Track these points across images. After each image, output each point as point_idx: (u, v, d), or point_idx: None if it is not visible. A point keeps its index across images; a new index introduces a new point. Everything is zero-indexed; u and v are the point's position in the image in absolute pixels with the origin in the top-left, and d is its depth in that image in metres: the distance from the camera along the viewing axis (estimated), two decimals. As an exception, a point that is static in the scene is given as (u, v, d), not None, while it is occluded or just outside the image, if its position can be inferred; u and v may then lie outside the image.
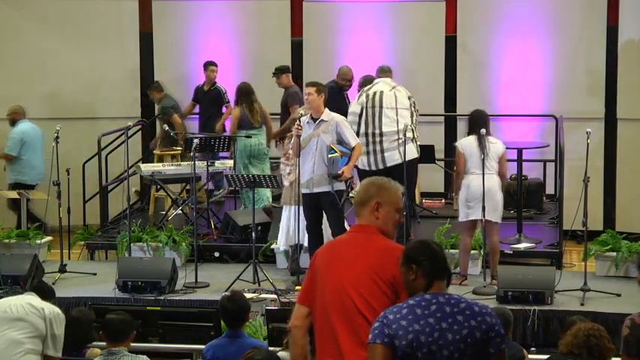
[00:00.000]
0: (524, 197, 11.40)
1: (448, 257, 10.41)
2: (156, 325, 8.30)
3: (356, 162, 9.70)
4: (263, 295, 9.22)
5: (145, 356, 6.30)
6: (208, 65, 12.86)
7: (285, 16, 13.71)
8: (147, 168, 11.71)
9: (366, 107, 10.38)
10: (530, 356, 6.91)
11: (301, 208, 9.57)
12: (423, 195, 12.81)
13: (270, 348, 6.39)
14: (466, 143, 9.63)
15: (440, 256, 4.37)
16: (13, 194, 11.75)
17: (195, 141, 10.40)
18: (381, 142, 10.29)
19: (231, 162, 11.77)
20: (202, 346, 7.15)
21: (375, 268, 4.60)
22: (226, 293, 7.26)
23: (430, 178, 13.06)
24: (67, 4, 13.59)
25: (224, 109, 12.81)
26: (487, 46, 13.29)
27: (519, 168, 11.09)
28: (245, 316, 6.79)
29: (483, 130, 9.55)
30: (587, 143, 9.54)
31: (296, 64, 13.63)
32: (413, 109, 10.53)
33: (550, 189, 12.71)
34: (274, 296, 9.23)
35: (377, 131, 10.29)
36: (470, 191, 9.48)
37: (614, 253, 10.00)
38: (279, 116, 12.34)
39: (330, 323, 4.62)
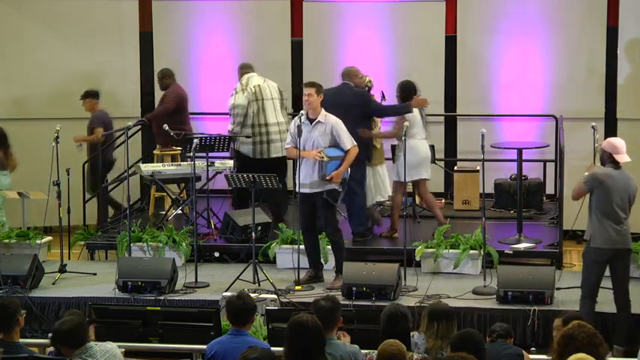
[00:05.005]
0: (524, 197, 11.40)
1: (449, 257, 10.50)
2: (156, 325, 8.29)
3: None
4: (263, 295, 9.22)
5: (110, 343, 6.38)
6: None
7: (285, 16, 13.71)
8: (147, 168, 11.71)
9: (251, 100, 11.51)
10: (530, 356, 6.91)
11: None
12: (423, 195, 12.81)
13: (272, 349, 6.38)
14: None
15: None
16: (13, 194, 11.73)
17: (195, 141, 10.41)
18: (267, 132, 11.53)
19: (231, 162, 11.77)
20: (202, 346, 7.16)
21: None
22: (232, 293, 7.27)
23: (430, 178, 13.04)
24: (67, 4, 13.59)
25: None
26: (487, 46, 13.29)
27: (519, 168, 11.08)
28: (250, 316, 6.79)
29: (484, 130, 9.60)
30: (595, 138, 9.61)
31: (296, 64, 13.65)
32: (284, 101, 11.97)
33: (550, 189, 12.71)
34: (274, 296, 9.24)
35: (262, 122, 11.51)
36: (419, 155, 10.87)
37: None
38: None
39: None
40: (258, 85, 11.66)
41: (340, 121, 9.64)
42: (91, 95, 12.71)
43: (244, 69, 11.93)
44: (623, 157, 8.40)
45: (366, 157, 10.72)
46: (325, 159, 9.41)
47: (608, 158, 8.44)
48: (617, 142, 8.51)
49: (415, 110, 10.83)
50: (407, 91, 10.95)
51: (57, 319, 6.87)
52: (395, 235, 11.04)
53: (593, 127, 9.98)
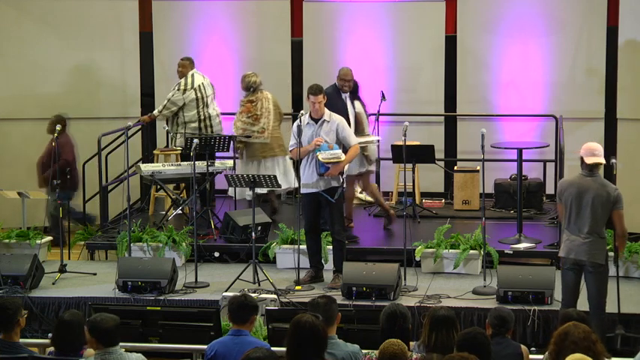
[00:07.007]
0: (524, 197, 11.40)
1: (449, 257, 10.45)
2: (156, 325, 8.30)
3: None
4: (263, 295, 9.22)
5: (140, 354, 6.31)
6: None
7: (285, 16, 13.71)
8: (147, 168, 11.70)
9: (196, 98, 12.08)
10: (530, 356, 6.90)
11: None
12: (423, 195, 12.83)
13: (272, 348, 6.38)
14: (362, 109, 11.03)
15: None
16: (13, 194, 11.74)
17: (195, 141, 10.41)
18: (211, 125, 12.16)
19: (231, 162, 11.78)
20: (202, 346, 7.15)
21: None
22: (235, 293, 7.26)
23: (430, 178, 13.06)
24: (67, 4, 13.59)
25: None
26: (487, 46, 13.30)
27: (519, 168, 11.08)
28: (251, 314, 6.74)
29: (484, 130, 9.59)
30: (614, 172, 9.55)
31: (296, 64, 13.65)
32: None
33: (550, 189, 12.70)
34: (274, 296, 9.24)
35: (207, 116, 12.17)
36: (369, 150, 10.98)
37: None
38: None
39: None
40: (202, 84, 12.25)
41: (344, 119, 9.75)
42: None
43: (191, 64, 12.36)
44: (591, 159, 8.06)
45: None
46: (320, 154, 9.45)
47: (582, 163, 8.16)
48: (592, 145, 8.16)
49: (359, 106, 10.90)
50: (356, 89, 10.99)
51: (57, 319, 6.86)
52: (350, 225, 11.10)
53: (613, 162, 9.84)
